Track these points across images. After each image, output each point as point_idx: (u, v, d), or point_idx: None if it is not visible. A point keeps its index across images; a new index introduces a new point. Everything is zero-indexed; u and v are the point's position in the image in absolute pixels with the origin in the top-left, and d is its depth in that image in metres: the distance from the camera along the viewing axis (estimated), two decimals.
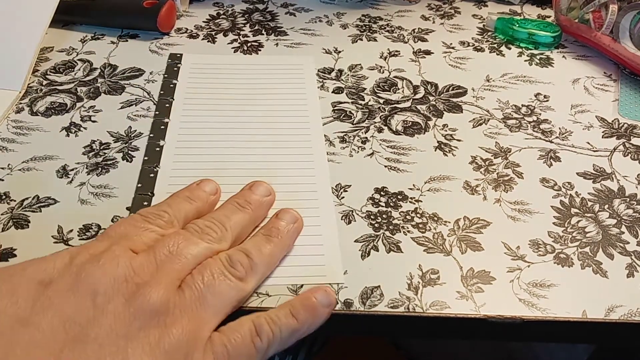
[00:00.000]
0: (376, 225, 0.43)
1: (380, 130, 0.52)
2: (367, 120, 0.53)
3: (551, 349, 0.82)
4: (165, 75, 0.56)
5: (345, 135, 0.51)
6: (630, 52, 0.58)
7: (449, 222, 0.44)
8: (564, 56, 0.62)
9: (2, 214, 0.42)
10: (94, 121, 0.51)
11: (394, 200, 0.45)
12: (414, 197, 0.45)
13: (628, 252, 0.42)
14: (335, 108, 0.54)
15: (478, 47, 0.63)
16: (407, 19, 0.67)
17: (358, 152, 0.49)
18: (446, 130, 0.52)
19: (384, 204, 0.45)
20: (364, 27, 0.65)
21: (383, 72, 0.59)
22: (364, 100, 0.55)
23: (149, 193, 0.45)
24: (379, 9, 0.69)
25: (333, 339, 0.85)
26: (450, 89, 0.57)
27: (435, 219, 0.44)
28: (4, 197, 0.44)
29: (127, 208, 0.43)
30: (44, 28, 0.55)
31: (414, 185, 0.46)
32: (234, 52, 0.61)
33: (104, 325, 0.30)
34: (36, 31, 0.55)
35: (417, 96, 0.56)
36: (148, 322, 0.30)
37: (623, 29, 0.58)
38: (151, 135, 0.50)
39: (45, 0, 0.56)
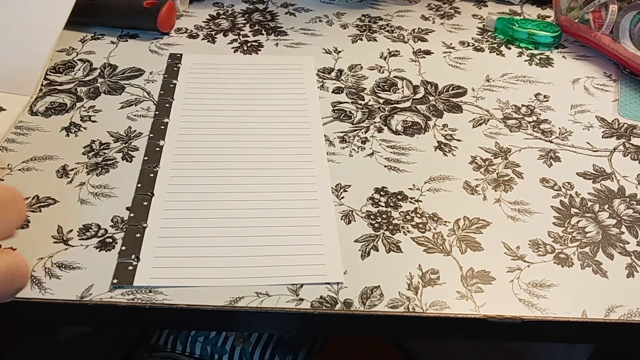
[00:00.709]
0: (376, 225, 0.43)
1: (380, 130, 0.52)
2: (367, 120, 0.53)
3: (551, 349, 0.82)
4: (165, 75, 0.56)
5: (345, 135, 0.51)
6: (630, 52, 0.58)
7: (449, 222, 0.44)
8: (564, 56, 0.62)
9: None
10: (93, 121, 0.51)
11: (393, 200, 0.45)
12: (414, 197, 0.45)
13: (628, 252, 0.42)
14: (335, 108, 0.54)
15: (478, 47, 0.63)
16: (407, 19, 0.67)
17: (358, 152, 0.49)
18: (446, 130, 0.52)
19: (383, 204, 0.45)
20: (364, 27, 0.65)
21: (383, 72, 0.59)
22: (363, 100, 0.55)
23: (149, 193, 0.45)
24: (379, 9, 0.69)
25: (333, 339, 0.85)
26: (450, 89, 0.57)
27: (435, 219, 0.44)
28: None
29: (127, 208, 0.43)
30: (57, 35, 0.55)
31: (413, 185, 0.46)
32: (234, 52, 0.61)
33: None
34: (49, 38, 0.55)
35: (417, 96, 0.56)
36: None
37: (623, 29, 0.58)
38: (151, 135, 0.50)
39: (58, 8, 0.56)
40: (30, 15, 0.55)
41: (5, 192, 0.34)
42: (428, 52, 0.62)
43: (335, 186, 0.46)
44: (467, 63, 0.60)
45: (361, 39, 0.64)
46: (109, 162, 0.47)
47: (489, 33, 0.65)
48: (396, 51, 0.62)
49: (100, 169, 0.46)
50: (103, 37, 0.62)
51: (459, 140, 0.51)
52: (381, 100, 0.55)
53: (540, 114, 0.54)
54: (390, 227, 0.43)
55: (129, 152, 0.48)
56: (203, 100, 0.54)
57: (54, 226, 0.42)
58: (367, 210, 0.44)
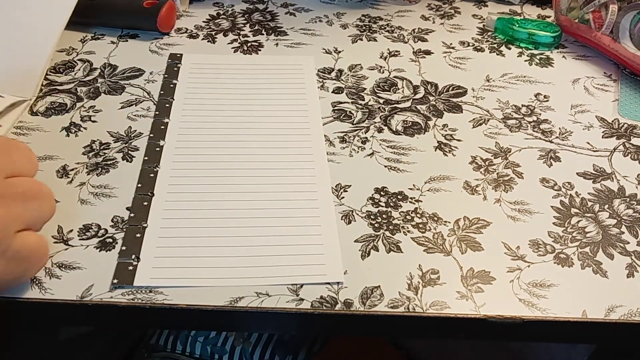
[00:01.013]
0: (376, 225, 0.43)
1: (380, 130, 0.52)
2: (367, 120, 0.53)
3: (551, 349, 0.82)
4: (165, 75, 0.56)
5: (345, 135, 0.51)
6: (630, 52, 0.58)
7: (449, 222, 0.44)
8: (564, 56, 0.62)
9: None
10: (94, 121, 0.51)
11: (394, 200, 0.45)
12: (414, 197, 0.45)
13: (628, 252, 0.42)
14: (335, 108, 0.54)
15: (478, 47, 0.63)
16: (407, 19, 0.67)
17: (358, 152, 0.49)
18: (446, 130, 0.52)
19: (384, 204, 0.45)
20: (364, 27, 0.65)
21: (383, 72, 0.59)
22: (364, 100, 0.55)
23: (149, 193, 0.45)
24: (379, 9, 0.69)
25: (333, 339, 0.85)
26: (450, 89, 0.57)
27: (435, 219, 0.44)
28: None
29: (127, 208, 0.43)
30: (57, 37, 0.55)
31: (414, 185, 0.46)
32: (234, 52, 0.61)
33: None
34: (49, 40, 0.54)
35: (417, 96, 0.56)
36: None
37: (623, 29, 0.58)
38: (151, 135, 0.50)
39: (59, 9, 0.56)
40: (30, 17, 0.55)
41: (43, 187, 0.39)
42: (428, 52, 0.62)
43: (335, 186, 0.46)
44: (467, 63, 0.60)
45: (361, 39, 0.64)
46: (109, 162, 0.47)
47: (489, 33, 0.65)
48: (396, 51, 0.62)
49: (100, 169, 0.46)
50: (103, 37, 0.62)
51: (459, 140, 0.51)
52: (381, 100, 0.55)
53: (540, 114, 0.54)
54: (391, 227, 0.43)
55: (129, 152, 0.48)
56: (203, 100, 0.54)
57: (54, 226, 0.42)
58: (367, 210, 0.44)
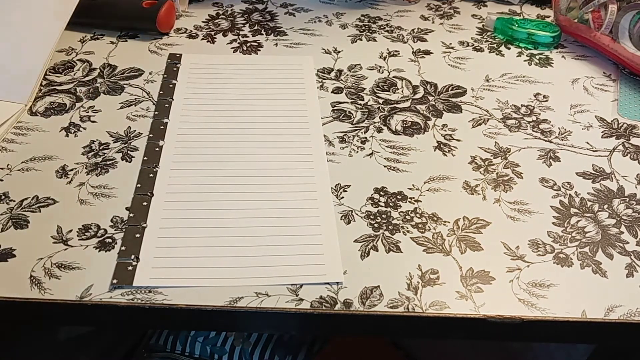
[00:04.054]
0: (376, 225, 0.43)
1: (379, 130, 0.52)
2: (366, 120, 0.53)
3: (551, 349, 0.82)
4: (165, 76, 0.56)
5: (344, 135, 0.51)
6: (630, 52, 0.58)
7: (449, 222, 0.44)
8: (563, 56, 0.62)
9: (1, 214, 0.42)
10: (93, 121, 0.51)
11: (393, 200, 0.45)
12: (414, 197, 0.45)
13: (627, 252, 0.42)
14: (335, 108, 0.54)
15: (477, 47, 0.63)
16: (407, 19, 0.67)
17: (357, 152, 0.49)
18: (445, 130, 0.52)
19: (383, 204, 0.45)
20: (364, 27, 0.65)
21: (382, 72, 0.59)
22: (363, 100, 0.55)
23: (149, 193, 0.45)
24: (378, 9, 0.69)
25: (333, 338, 0.85)
26: (450, 89, 0.57)
27: (435, 219, 0.44)
28: (3, 197, 0.44)
29: (127, 208, 0.43)
30: (54, 44, 0.55)
31: (413, 185, 0.46)
32: (234, 52, 0.61)
33: None
34: (45, 47, 0.54)
35: (417, 96, 0.56)
36: None
37: (622, 29, 0.58)
38: (150, 135, 0.50)
39: (56, 16, 0.56)
40: (27, 25, 0.55)
41: None
42: (427, 52, 0.62)
43: (335, 186, 0.46)
44: (467, 63, 0.60)
45: (360, 39, 0.64)
46: (108, 162, 0.47)
47: (489, 33, 0.65)
48: (396, 51, 0.62)
49: (99, 169, 0.46)
50: (102, 37, 0.62)
51: (458, 140, 0.51)
52: (381, 100, 0.55)
53: (539, 114, 0.54)
54: (390, 227, 0.43)
55: (129, 152, 0.48)
56: (202, 101, 0.54)
57: (53, 226, 0.42)
58: (366, 210, 0.44)
